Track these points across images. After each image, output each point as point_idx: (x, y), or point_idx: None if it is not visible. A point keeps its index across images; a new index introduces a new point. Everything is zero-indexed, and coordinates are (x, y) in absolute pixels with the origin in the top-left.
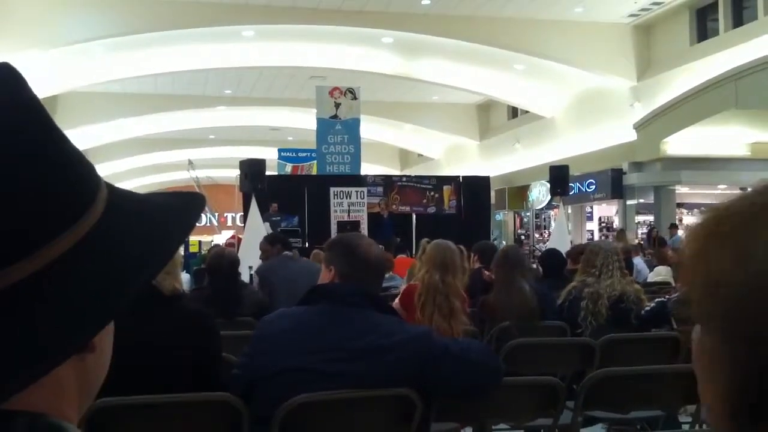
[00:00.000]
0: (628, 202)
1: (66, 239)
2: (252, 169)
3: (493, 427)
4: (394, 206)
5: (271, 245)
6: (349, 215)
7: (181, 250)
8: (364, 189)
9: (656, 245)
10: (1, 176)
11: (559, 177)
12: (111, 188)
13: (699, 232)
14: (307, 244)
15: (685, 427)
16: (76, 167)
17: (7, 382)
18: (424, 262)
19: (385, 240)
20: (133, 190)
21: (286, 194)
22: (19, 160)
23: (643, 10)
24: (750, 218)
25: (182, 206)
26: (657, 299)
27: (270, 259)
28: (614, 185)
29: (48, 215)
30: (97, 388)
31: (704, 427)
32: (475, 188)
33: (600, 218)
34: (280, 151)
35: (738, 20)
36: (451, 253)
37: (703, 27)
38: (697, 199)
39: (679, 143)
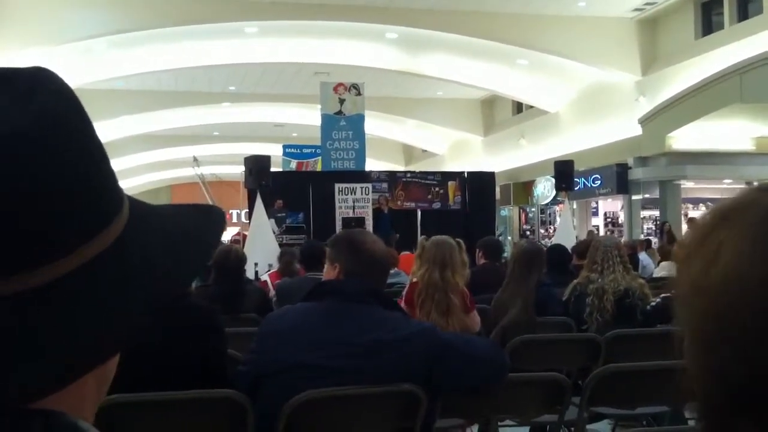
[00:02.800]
0: (634, 197)
1: (95, 244)
2: (257, 165)
3: (499, 424)
4: (398, 202)
5: (298, 262)
6: (354, 211)
7: None
8: (369, 185)
9: (667, 240)
10: (40, 177)
11: (564, 172)
12: (131, 199)
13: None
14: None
15: (692, 422)
16: (108, 175)
17: (30, 387)
18: (423, 260)
19: (384, 235)
20: (140, 186)
21: (291, 190)
22: (59, 164)
23: (647, 4)
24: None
25: (204, 220)
26: (662, 295)
27: (296, 278)
28: (619, 180)
29: (83, 219)
30: (109, 383)
31: None
32: (479, 184)
33: (605, 213)
34: (284, 147)
35: (743, 14)
36: (450, 249)
37: (708, 21)
38: (702, 194)
39: (685, 138)
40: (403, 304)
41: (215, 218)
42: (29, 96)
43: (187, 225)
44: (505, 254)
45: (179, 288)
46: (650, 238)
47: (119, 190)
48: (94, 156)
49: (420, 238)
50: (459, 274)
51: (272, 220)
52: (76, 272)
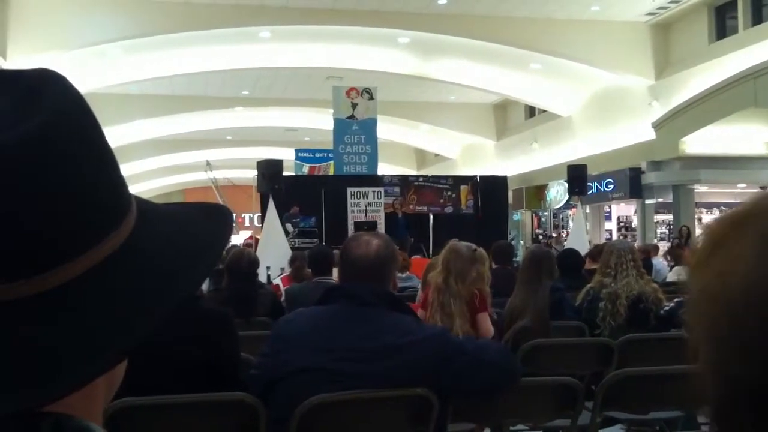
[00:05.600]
0: (647, 202)
1: (105, 247)
2: (269, 169)
3: (511, 428)
4: (411, 206)
5: (307, 266)
6: (366, 215)
7: None
8: (381, 189)
9: (684, 244)
10: (46, 180)
11: (577, 176)
12: (138, 199)
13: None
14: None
15: (705, 428)
16: (116, 175)
17: (46, 392)
18: (439, 262)
19: (398, 240)
20: (153, 190)
21: (303, 195)
22: (67, 166)
23: (661, 8)
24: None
25: (212, 220)
26: (676, 299)
27: (304, 282)
28: (633, 184)
29: (92, 221)
30: (118, 384)
31: None
32: (492, 188)
33: (618, 218)
34: (297, 151)
35: (757, 18)
36: (455, 257)
37: (722, 25)
38: (716, 198)
39: (698, 142)
40: (418, 309)
41: (223, 218)
42: (35, 98)
43: (195, 225)
44: (517, 258)
45: (190, 289)
46: (678, 241)
47: (127, 190)
48: (102, 157)
49: (451, 241)
50: (464, 282)
51: (289, 225)
52: (87, 275)
